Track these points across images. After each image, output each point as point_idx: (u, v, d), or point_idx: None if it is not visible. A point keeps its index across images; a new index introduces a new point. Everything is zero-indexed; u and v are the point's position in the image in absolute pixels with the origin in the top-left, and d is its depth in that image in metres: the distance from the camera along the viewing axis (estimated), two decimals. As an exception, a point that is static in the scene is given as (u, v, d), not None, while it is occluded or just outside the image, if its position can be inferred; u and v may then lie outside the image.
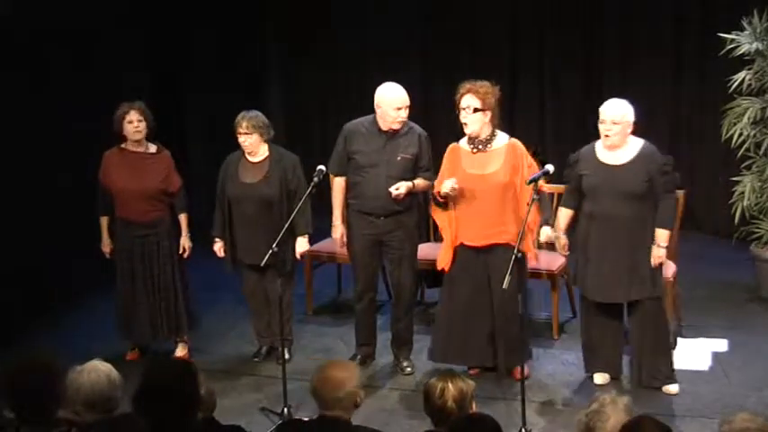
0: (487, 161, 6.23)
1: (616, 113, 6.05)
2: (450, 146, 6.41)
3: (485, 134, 6.25)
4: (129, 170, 6.74)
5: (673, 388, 6.28)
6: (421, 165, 6.52)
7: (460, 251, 6.37)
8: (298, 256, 6.78)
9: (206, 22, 9.57)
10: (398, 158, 6.45)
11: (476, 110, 6.17)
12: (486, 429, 3.75)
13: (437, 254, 7.47)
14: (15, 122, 7.43)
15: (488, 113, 6.20)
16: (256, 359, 6.98)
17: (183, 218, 6.91)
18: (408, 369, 6.73)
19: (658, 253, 6.10)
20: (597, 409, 3.88)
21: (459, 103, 6.23)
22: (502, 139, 6.29)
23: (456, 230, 6.35)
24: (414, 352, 6.87)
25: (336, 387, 4.14)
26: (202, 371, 4.13)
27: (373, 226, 6.54)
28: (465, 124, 6.23)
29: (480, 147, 6.26)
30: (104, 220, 6.90)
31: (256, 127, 6.63)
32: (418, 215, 6.70)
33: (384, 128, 6.46)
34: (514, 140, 6.30)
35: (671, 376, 6.28)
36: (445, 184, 6.21)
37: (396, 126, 6.44)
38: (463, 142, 6.36)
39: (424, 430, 4.29)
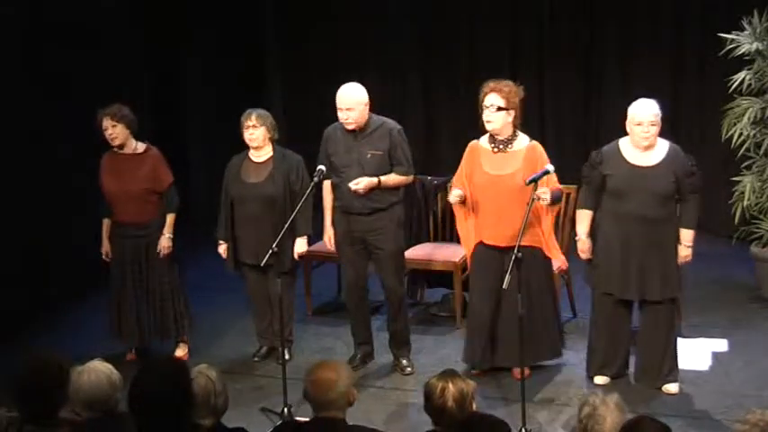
0: (507, 162, 6.21)
1: (653, 114, 6.03)
2: (470, 144, 6.38)
3: (506, 134, 6.23)
4: (116, 172, 6.72)
5: (673, 388, 6.28)
6: (393, 160, 6.49)
7: (480, 250, 6.37)
8: (296, 256, 6.77)
9: (206, 21, 9.57)
10: (368, 156, 6.44)
11: (499, 108, 6.15)
12: (494, 430, 3.76)
13: (438, 254, 7.53)
14: (14, 122, 7.43)
15: (512, 113, 6.18)
16: (256, 359, 6.98)
17: (169, 217, 6.79)
18: (408, 369, 6.72)
19: (684, 252, 6.13)
20: (590, 412, 3.87)
21: (483, 101, 6.20)
22: (523, 141, 6.25)
23: (475, 228, 6.35)
24: (414, 352, 6.87)
25: (329, 388, 4.14)
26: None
27: (356, 224, 6.53)
28: (488, 122, 6.20)
29: (501, 147, 6.24)
30: (105, 223, 6.88)
31: (265, 119, 6.64)
32: (403, 214, 6.66)
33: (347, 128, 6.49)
34: (535, 143, 6.26)
35: (675, 375, 6.29)
36: (452, 194, 6.26)
37: (350, 127, 6.44)
38: (484, 141, 6.33)
39: (425, 430, 4.29)
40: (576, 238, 6.34)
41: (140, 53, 8.86)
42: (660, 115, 6.07)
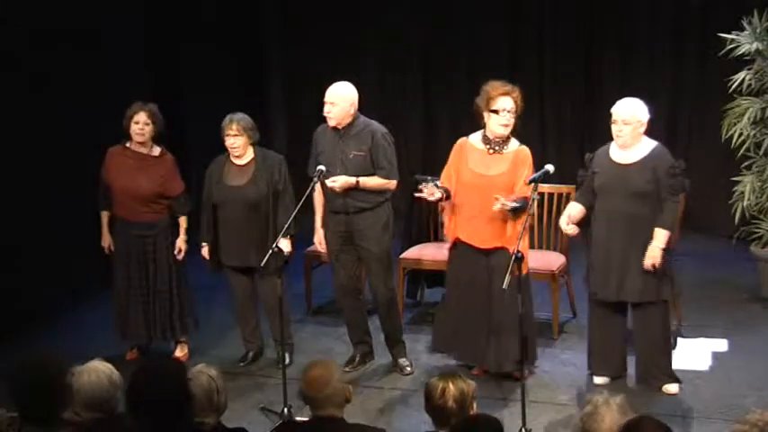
0: (496, 163, 6.22)
1: (626, 113, 6.06)
2: (459, 141, 6.39)
3: (504, 136, 6.25)
4: (129, 170, 6.73)
5: (673, 388, 6.28)
6: (375, 162, 6.47)
7: (461, 247, 6.39)
8: None
9: (206, 21, 9.57)
10: (351, 156, 6.44)
11: (516, 114, 6.20)
12: (488, 430, 3.76)
13: (438, 254, 7.53)
14: (16, 123, 7.43)
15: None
16: (242, 364, 6.93)
17: (182, 220, 6.88)
18: (408, 369, 6.72)
19: (653, 252, 6.04)
20: (591, 411, 3.87)
21: (496, 102, 6.18)
22: (514, 143, 6.27)
23: (455, 223, 6.36)
24: (413, 351, 6.87)
25: (323, 386, 4.17)
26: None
27: (343, 223, 6.54)
28: (505, 126, 6.20)
29: (497, 148, 6.25)
30: (104, 215, 6.90)
31: (245, 129, 6.63)
32: (392, 215, 6.62)
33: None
34: (523, 147, 6.27)
35: (672, 376, 6.28)
36: (435, 194, 6.20)
37: (331, 122, 6.45)
38: (475, 139, 6.33)
39: (425, 430, 4.29)
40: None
41: (140, 53, 8.86)
42: (640, 116, 6.06)
